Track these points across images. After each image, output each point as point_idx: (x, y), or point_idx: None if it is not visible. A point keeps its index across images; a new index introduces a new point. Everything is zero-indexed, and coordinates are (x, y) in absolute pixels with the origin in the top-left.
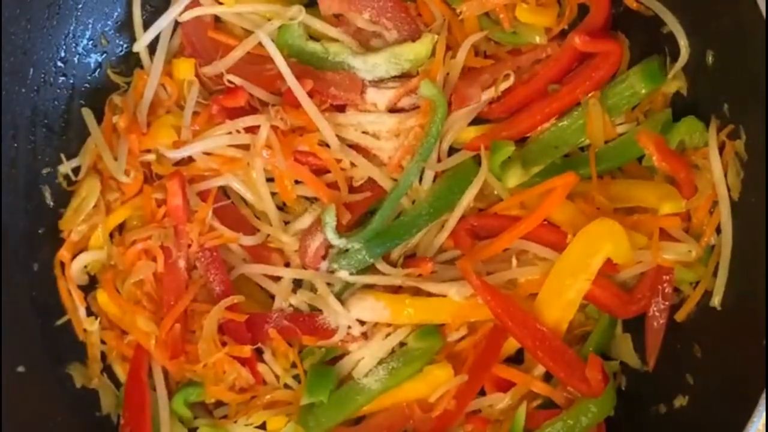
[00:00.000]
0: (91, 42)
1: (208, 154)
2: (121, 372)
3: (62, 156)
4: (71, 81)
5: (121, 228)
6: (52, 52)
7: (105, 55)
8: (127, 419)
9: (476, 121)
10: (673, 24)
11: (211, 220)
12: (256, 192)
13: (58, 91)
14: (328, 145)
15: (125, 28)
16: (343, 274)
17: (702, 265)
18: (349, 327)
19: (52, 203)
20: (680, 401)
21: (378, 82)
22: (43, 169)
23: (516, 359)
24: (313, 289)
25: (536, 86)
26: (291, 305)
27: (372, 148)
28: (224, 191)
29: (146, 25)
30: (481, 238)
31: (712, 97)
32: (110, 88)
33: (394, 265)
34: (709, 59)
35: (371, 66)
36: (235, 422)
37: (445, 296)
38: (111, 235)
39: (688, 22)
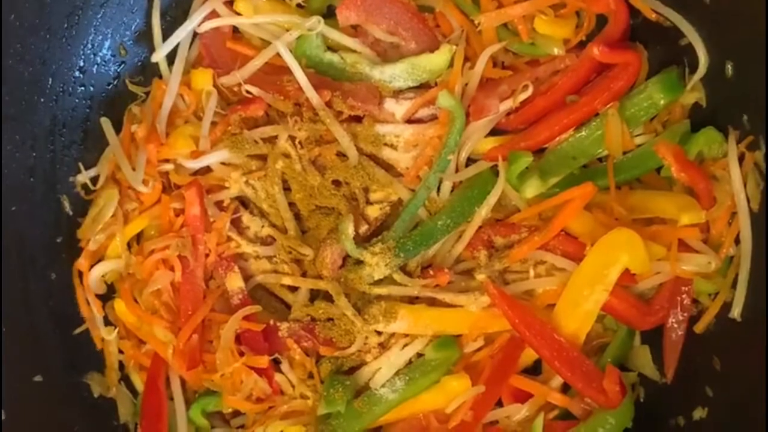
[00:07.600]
0: (110, 52)
1: (225, 164)
2: (138, 381)
3: (81, 165)
4: (90, 91)
5: (138, 237)
6: (71, 62)
7: (123, 65)
8: (144, 428)
9: (494, 132)
10: (691, 35)
11: (229, 230)
12: (273, 202)
13: (77, 100)
14: (345, 156)
15: (144, 38)
16: (361, 285)
17: (721, 276)
18: (366, 337)
19: (70, 212)
20: (699, 413)
21: (396, 93)
22: (62, 178)
23: (533, 370)
24: (329, 299)
25: (554, 97)
26: (308, 315)
27: (389, 159)
28: (241, 201)
29: (165, 36)
30: (498, 248)
31: (732, 108)
32: (129, 98)
33: (411, 275)
34: (729, 70)
35: (389, 77)
36: None
37: (462, 307)
38: (129, 245)
39: (707, 33)
